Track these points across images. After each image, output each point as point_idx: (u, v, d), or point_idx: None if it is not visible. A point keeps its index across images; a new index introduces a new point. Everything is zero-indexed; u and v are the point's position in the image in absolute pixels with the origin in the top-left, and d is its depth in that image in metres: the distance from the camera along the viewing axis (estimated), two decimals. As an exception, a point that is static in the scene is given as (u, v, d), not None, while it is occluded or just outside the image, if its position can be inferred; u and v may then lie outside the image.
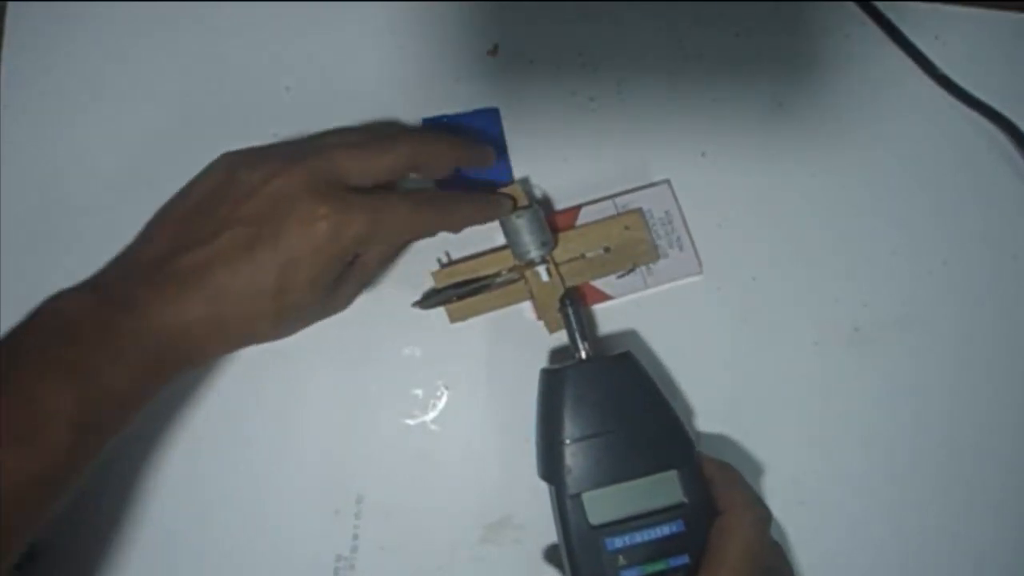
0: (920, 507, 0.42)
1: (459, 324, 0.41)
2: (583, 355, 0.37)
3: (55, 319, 0.31)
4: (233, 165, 0.35)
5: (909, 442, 0.42)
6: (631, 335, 0.42)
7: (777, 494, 0.41)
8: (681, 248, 0.42)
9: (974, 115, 0.43)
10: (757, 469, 0.41)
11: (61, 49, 0.43)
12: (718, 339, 0.42)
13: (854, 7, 0.44)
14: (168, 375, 0.33)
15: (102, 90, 0.43)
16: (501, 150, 0.42)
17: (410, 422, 0.41)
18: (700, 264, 0.42)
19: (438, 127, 0.42)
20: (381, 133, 0.37)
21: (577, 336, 0.38)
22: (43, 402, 0.30)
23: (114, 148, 0.42)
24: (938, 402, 0.42)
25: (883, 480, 0.42)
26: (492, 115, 0.43)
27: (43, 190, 0.42)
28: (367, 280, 0.39)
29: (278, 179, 0.33)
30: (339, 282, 0.36)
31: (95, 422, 0.31)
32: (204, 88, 0.43)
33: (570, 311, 0.38)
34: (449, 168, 0.38)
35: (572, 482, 0.35)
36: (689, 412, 0.41)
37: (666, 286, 0.42)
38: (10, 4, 0.43)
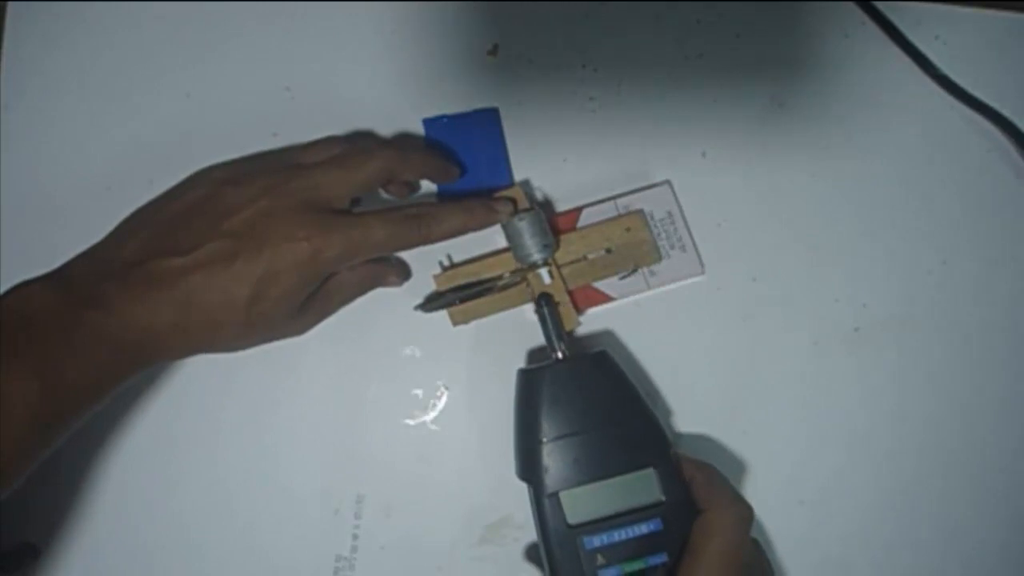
0: (919, 507, 0.42)
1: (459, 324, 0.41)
2: (559, 355, 0.38)
3: (22, 312, 0.31)
4: (218, 181, 0.36)
5: (909, 442, 0.42)
6: (632, 336, 0.42)
7: (776, 494, 0.41)
8: (683, 249, 0.42)
9: (974, 115, 0.43)
10: (756, 468, 0.41)
11: (61, 49, 0.43)
12: (718, 339, 0.42)
13: (854, 7, 0.44)
14: (127, 373, 0.33)
15: (102, 90, 0.43)
16: (501, 153, 0.42)
17: (410, 422, 0.41)
18: (702, 265, 0.42)
19: (438, 127, 0.42)
20: (357, 147, 0.38)
21: (553, 336, 0.38)
22: (8, 394, 0.30)
23: (114, 148, 0.42)
24: (938, 402, 0.42)
25: (883, 480, 0.42)
26: (492, 115, 0.43)
27: (43, 190, 0.42)
28: (330, 310, 0.40)
29: (264, 200, 0.34)
30: (305, 305, 0.37)
31: (55, 417, 0.31)
32: (204, 88, 0.43)
33: (545, 311, 0.38)
34: (420, 179, 0.41)
35: (550, 481, 0.35)
36: (689, 412, 0.41)
37: (668, 287, 0.42)
38: (10, 4, 0.43)
